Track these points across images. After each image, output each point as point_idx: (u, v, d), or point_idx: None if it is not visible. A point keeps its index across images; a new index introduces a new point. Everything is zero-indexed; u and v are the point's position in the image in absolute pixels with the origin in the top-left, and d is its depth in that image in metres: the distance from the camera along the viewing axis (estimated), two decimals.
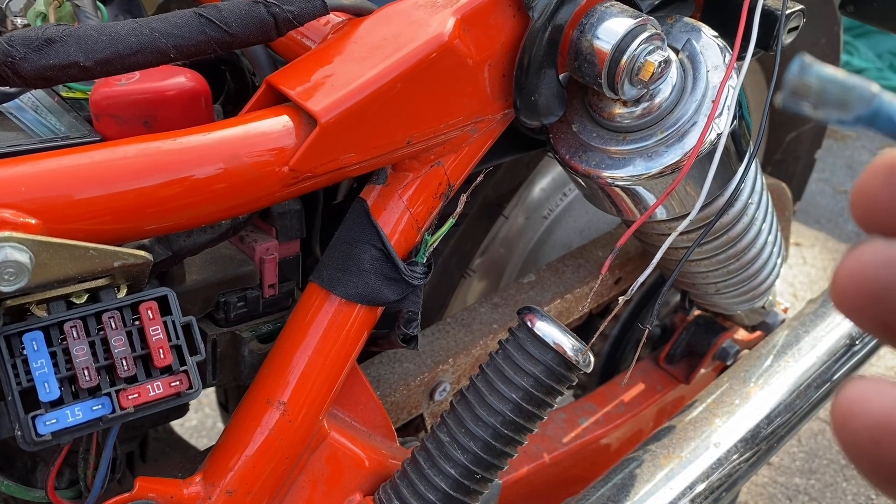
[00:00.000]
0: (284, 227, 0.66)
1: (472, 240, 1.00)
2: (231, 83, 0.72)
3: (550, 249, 1.14)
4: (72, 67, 0.52)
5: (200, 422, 1.79)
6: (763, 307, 1.08)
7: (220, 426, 1.72)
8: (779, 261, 0.96)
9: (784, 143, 1.44)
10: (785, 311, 1.19)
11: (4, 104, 0.63)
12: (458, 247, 0.97)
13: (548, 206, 1.14)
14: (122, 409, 0.50)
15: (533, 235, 1.15)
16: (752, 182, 0.79)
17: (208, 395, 1.81)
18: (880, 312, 0.23)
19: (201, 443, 1.64)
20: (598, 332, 0.63)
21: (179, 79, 0.62)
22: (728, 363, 1.13)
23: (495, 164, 0.80)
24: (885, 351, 2.03)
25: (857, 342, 1.06)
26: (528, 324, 0.62)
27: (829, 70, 0.23)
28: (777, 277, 0.98)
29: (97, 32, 0.52)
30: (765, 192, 0.84)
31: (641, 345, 0.66)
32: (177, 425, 1.65)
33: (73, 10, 0.68)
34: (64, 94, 0.68)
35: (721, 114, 0.63)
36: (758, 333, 1.16)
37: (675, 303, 1.14)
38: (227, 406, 1.09)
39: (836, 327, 1.06)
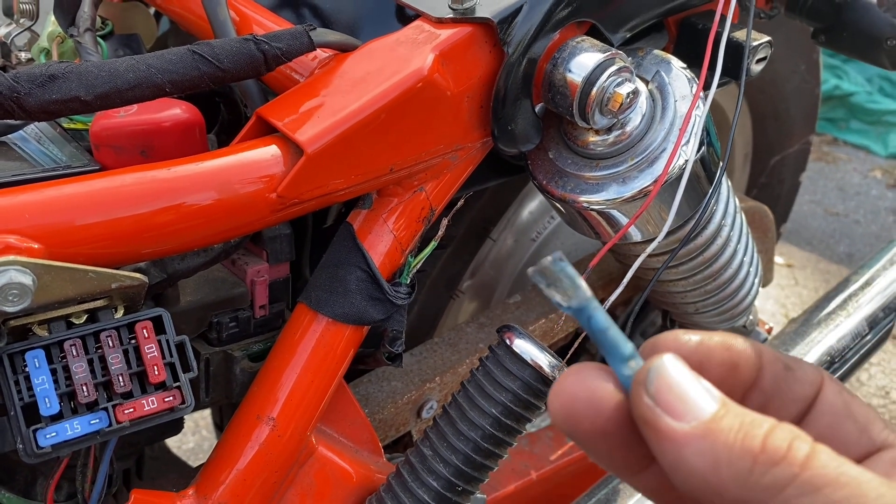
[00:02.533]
0: (275, 250, 0.69)
1: (460, 262, 1.03)
2: (224, 114, 0.75)
3: None
4: (73, 102, 0.55)
5: (198, 444, 1.81)
6: (745, 326, 1.11)
7: None
8: (756, 280, 0.99)
9: (769, 166, 1.47)
10: (769, 331, 1.21)
11: (9, 135, 0.67)
12: (445, 269, 1.00)
13: (536, 228, 1.18)
14: (118, 423, 0.53)
15: (522, 257, 1.18)
16: (725, 204, 0.82)
17: (205, 418, 1.84)
18: (592, 418, 0.32)
19: (198, 464, 1.66)
20: (572, 350, 0.66)
21: (175, 111, 0.65)
22: None
23: (478, 189, 0.84)
24: (875, 370, 2.05)
25: (836, 361, 1.09)
26: (507, 341, 0.65)
27: (570, 269, 0.31)
28: (755, 297, 1.01)
29: (97, 69, 0.56)
30: (738, 214, 0.88)
31: None
32: (174, 447, 1.67)
33: (75, 46, 0.72)
34: (66, 125, 0.71)
35: (688, 141, 0.67)
36: None
37: (659, 323, 1.17)
38: (223, 426, 1.12)
39: (817, 345, 1.09)
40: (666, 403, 0.30)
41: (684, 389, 0.31)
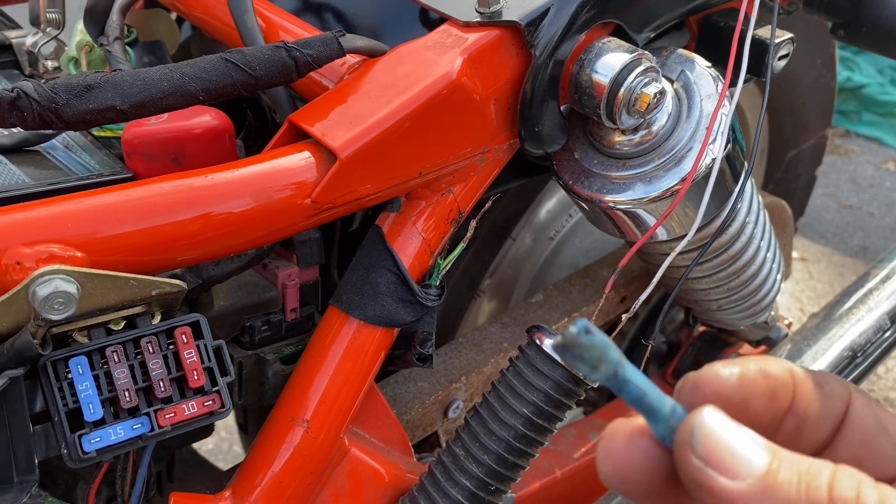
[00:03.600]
0: (305, 254, 0.70)
1: (482, 262, 1.04)
2: (251, 119, 0.76)
3: (557, 269, 1.18)
4: (109, 111, 0.56)
5: (217, 445, 1.82)
6: (766, 322, 1.11)
7: (237, 449, 1.76)
8: (778, 277, 0.99)
9: (784, 161, 1.47)
10: (788, 326, 1.22)
11: (40, 144, 0.68)
12: (467, 268, 1.00)
13: (554, 227, 1.18)
14: (160, 427, 0.54)
15: (540, 256, 1.18)
16: (749, 202, 0.83)
17: (224, 420, 1.85)
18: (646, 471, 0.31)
19: (219, 465, 1.67)
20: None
21: (205, 118, 0.66)
22: None
23: (503, 189, 0.84)
24: (893, 362, 2.05)
25: (857, 356, 1.09)
26: (537, 342, 0.65)
27: (599, 337, 0.29)
28: (777, 293, 1.01)
29: (132, 78, 0.57)
30: (762, 212, 0.88)
31: (646, 359, 0.69)
32: (196, 447, 1.68)
33: (105, 55, 0.73)
34: (95, 132, 0.72)
35: (715, 140, 0.67)
36: (762, 349, 1.19)
37: (681, 320, 1.17)
38: (247, 428, 1.13)
39: (838, 340, 1.09)
40: (716, 462, 0.29)
41: (732, 444, 0.29)
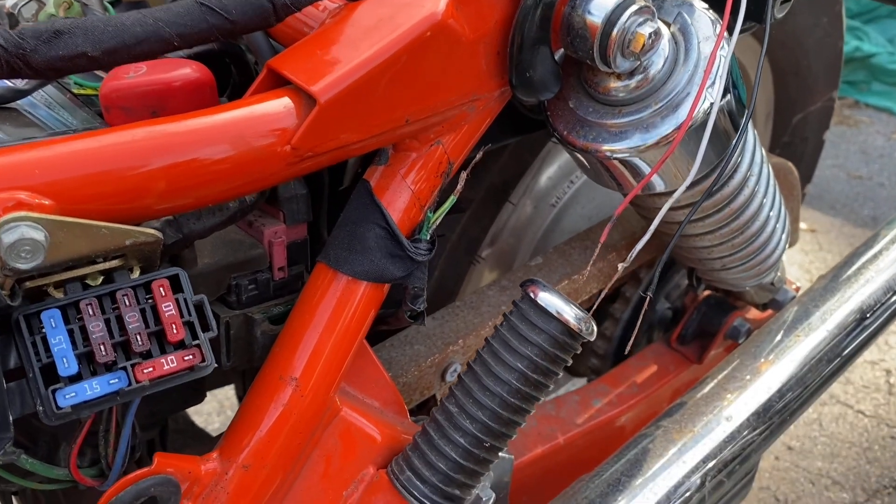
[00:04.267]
0: (291, 211, 0.68)
1: (479, 226, 1.01)
2: (236, 75, 0.74)
3: (559, 237, 1.16)
4: (80, 58, 0.54)
5: (223, 424, 1.81)
6: (772, 284, 1.09)
7: None
8: (783, 236, 0.97)
9: (791, 124, 1.44)
10: (797, 290, 1.19)
11: (19, 101, 0.66)
12: (465, 233, 0.98)
13: (555, 193, 1.16)
14: (137, 382, 0.52)
15: (541, 224, 1.16)
16: (751, 155, 0.80)
17: (230, 399, 1.84)
18: None
19: None
20: (599, 299, 0.64)
21: (185, 70, 0.64)
22: (740, 342, 1.13)
23: (497, 146, 0.82)
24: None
25: (867, 317, 1.06)
26: (531, 295, 0.63)
27: None
28: (783, 252, 0.99)
29: (103, 24, 0.55)
30: (766, 166, 0.85)
31: (644, 309, 0.67)
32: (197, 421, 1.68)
33: (83, 11, 0.70)
34: (75, 90, 0.70)
35: (713, 83, 0.65)
36: (769, 312, 1.17)
37: (685, 285, 1.15)
38: None
39: (847, 301, 1.06)
40: None
41: None
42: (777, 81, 1.35)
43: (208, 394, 1.78)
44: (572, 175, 1.16)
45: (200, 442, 0.97)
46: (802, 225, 2.42)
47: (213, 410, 1.81)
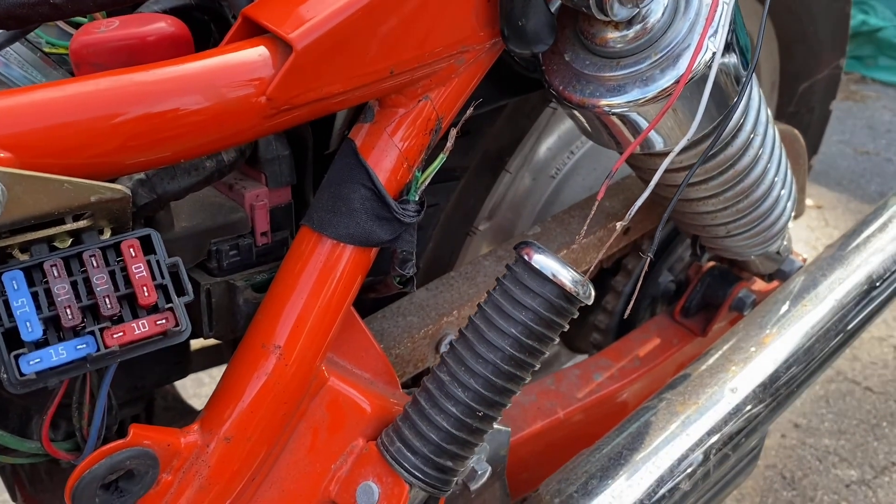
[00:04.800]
0: (273, 173, 0.65)
1: (476, 196, 0.98)
2: (215, 34, 0.70)
3: (559, 210, 1.13)
4: (42, 5, 0.51)
5: None
6: (778, 253, 1.05)
7: None
8: (789, 203, 0.93)
9: (797, 93, 1.40)
10: (804, 260, 1.16)
11: None
12: (460, 202, 0.95)
13: (555, 165, 1.12)
14: (106, 347, 0.49)
15: (541, 196, 1.13)
16: (756, 114, 0.77)
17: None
18: None
19: None
20: (595, 262, 0.61)
21: (160, 24, 0.61)
22: (745, 313, 1.10)
23: (491, 107, 0.79)
24: None
25: (877, 285, 1.03)
26: (526, 257, 0.60)
27: None
28: (788, 219, 0.95)
29: None
30: (770, 126, 0.82)
31: (643, 271, 0.64)
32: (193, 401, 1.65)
33: None
34: (47, 49, 0.67)
35: (715, 32, 0.61)
36: (775, 283, 1.14)
37: (688, 259, 1.12)
38: None
39: (855, 271, 1.03)
40: None
41: None
42: (783, 49, 1.31)
43: (207, 376, 1.76)
44: (573, 145, 1.12)
45: (189, 417, 0.95)
46: (809, 201, 2.38)
47: (208, 393, 1.79)
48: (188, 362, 0.74)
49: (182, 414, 0.98)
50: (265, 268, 0.67)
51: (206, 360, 1.06)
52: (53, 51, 0.67)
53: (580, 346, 1.23)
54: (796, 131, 1.18)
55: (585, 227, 0.65)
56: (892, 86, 2.95)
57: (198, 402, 1.73)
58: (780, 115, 1.40)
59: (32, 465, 0.81)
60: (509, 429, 0.74)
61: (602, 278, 1.12)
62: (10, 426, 0.58)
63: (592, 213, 0.57)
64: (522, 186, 1.10)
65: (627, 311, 0.74)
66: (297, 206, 0.70)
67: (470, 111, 0.64)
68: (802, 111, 1.44)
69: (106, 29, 0.60)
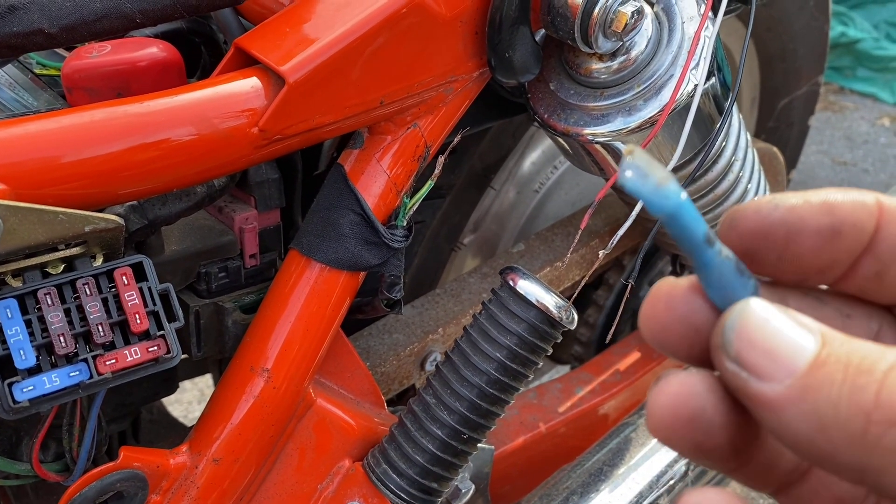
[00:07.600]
0: (263, 196, 0.66)
1: (461, 212, 0.99)
2: (206, 56, 0.71)
3: (542, 223, 1.14)
4: (36, 35, 0.51)
5: None
6: None
7: None
8: None
9: (776, 109, 1.43)
10: None
11: None
12: (445, 219, 0.96)
13: (538, 179, 1.14)
14: (99, 374, 0.50)
15: (525, 210, 1.14)
16: (735, 139, 0.78)
17: (211, 388, 1.82)
18: (692, 435, 0.26)
19: None
20: (579, 287, 0.63)
21: (152, 49, 0.61)
22: None
23: (477, 129, 0.80)
24: None
25: None
26: (511, 282, 0.61)
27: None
28: None
29: None
30: (750, 150, 0.84)
31: (626, 298, 0.65)
32: (181, 419, 1.66)
33: None
34: (38, 71, 0.68)
35: (697, 65, 0.63)
36: None
37: (668, 272, 1.13)
38: None
39: None
40: (751, 364, 0.24)
41: (771, 339, 0.24)
42: (763, 66, 1.33)
43: (189, 383, 1.75)
44: (556, 160, 1.14)
45: (176, 433, 0.95)
46: None
47: (195, 399, 1.79)
48: (176, 379, 0.74)
49: (167, 426, 0.98)
50: (253, 289, 0.68)
51: (189, 370, 1.06)
52: (44, 72, 0.68)
53: (561, 358, 1.25)
54: (775, 149, 1.20)
55: (569, 255, 0.66)
56: (870, 97, 3.00)
57: (178, 409, 1.73)
58: (760, 131, 1.43)
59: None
60: (493, 447, 0.75)
61: (583, 292, 1.14)
62: (1, 448, 0.58)
63: (576, 240, 0.58)
64: (507, 200, 1.12)
65: (610, 335, 0.76)
66: (286, 227, 0.71)
67: (458, 139, 0.65)
68: (782, 126, 1.46)
69: (98, 54, 0.61)
